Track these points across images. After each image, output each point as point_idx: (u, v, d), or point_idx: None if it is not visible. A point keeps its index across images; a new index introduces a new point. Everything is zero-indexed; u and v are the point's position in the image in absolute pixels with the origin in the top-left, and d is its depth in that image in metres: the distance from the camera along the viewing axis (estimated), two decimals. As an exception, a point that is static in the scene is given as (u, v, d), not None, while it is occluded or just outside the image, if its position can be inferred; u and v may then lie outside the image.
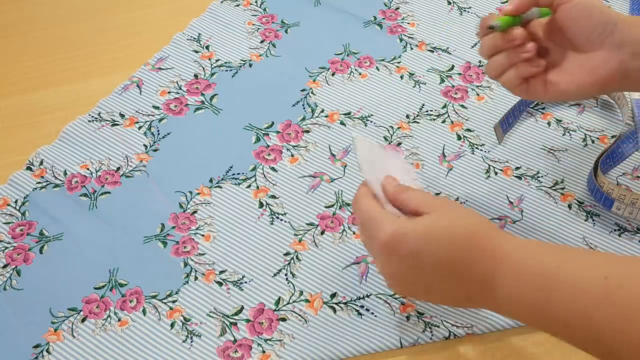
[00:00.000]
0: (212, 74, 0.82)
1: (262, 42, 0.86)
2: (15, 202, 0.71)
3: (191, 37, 0.86)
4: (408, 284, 0.53)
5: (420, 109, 0.78)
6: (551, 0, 0.56)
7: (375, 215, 0.53)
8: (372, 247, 0.53)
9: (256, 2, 0.90)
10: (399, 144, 0.75)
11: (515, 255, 0.49)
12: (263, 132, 0.76)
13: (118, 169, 0.74)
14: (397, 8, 0.89)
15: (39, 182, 0.73)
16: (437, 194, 0.70)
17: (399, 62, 0.82)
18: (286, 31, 0.87)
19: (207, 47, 0.85)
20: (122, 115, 0.78)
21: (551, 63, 0.58)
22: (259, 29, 0.87)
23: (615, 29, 0.55)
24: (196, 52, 0.84)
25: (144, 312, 0.63)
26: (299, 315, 0.63)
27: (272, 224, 0.69)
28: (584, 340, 0.46)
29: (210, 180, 0.72)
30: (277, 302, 0.64)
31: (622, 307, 0.44)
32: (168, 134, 0.77)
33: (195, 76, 0.82)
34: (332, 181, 0.72)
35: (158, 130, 0.77)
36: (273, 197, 0.71)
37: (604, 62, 0.56)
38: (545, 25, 0.58)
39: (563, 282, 0.47)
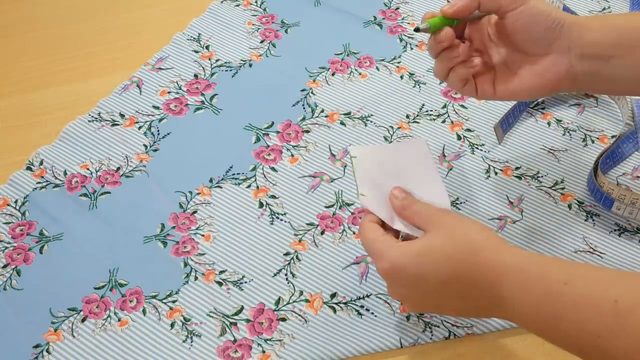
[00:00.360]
0: (212, 74, 0.82)
1: (262, 42, 0.86)
2: (15, 202, 0.71)
3: (191, 37, 0.86)
4: (418, 304, 0.56)
5: (420, 109, 0.78)
6: (497, 7, 0.55)
7: (375, 246, 0.54)
8: (379, 271, 0.54)
9: (256, 2, 0.90)
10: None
11: (520, 271, 0.49)
12: (263, 132, 0.76)
13: (118, 169, 0.74)
14: (397, 8, 0.89)
15: (39, 182, 0.73)
16: (437, 194, 0.70)
17: (399, 62, 0.82)
18: (286, 31, 0.87)
19: (207, 47, 0.85)
20: (122, 115, 0.78)
21: (500, 64, 0.58)
22: (259, 29, 0.87)
23: (562, 33, 0.55)
24: (196, 52, 0.85)
25: (144, 312, 0.63)
26: (299, 315, 0.63)
27: (272, 224, 0.69)
28: None
29: (210, 180, 0.72)
30: (277, 302, 0.64)
31: (633, 336, 0.43)
32: (168, 134, 0.77)
33: (195, 76, 0.82)
34: (332, 181, 0.72)
35: (158, 130, 0.77)
36: (273, 197, 0.71)
37: (552, 66, 0.56)
38: (494, 26, 0.58)
39: (572, 303, 0.46)
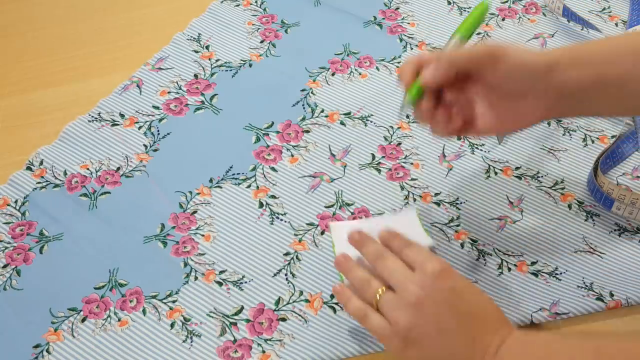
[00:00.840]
0: (212, 74, 0.82)
1: (262, 42, 0.86)
2: (15, 202, 0.71)
3: (191, 37, 0.86)
4: (426, 320, 0.53)
5: (420, 109, 0.78)
6: (473, 68, 0.55)
7: (420, 252, 0.56)
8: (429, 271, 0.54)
9: (256, 2, 0.90)
10: (399, 144, 0.75)
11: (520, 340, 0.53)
12: (263, 132, 0.76)
13: (118, 169, 0.74)
14: (397, 8, 0.89)
15: (39, 182, 0.73)
16: (437, 194, 0.70)
17: (399, 62, 0.82)
18: (286, 31, 0.87)
19: (207, 47, 0.85)
20: (122, 115, 0.78)
21: (479, 106, 0.58)
22: (259, 29, 0.87)
23: (538, 80, 0.55)
24: (196, 52, 0.84)
25: (144, 312, 0.63)
26: (299, 315, 0.63)
27: (272, 224, 0.69)
28: None
29: (210, 180, 0.72)
30: (277, 302, 0.64)
31: None
32: (168, 134, 0.77)
33: (195, 76, 0.82)
34: (332, 181, 0.72)
35: (158, 130, 0.77)
36: (273, 197, 0.71)
37: (532, 110, 0.57)
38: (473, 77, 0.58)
39: None
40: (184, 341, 0.61)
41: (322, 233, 0.68)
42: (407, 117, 0.56)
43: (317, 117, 0.77)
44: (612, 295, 0.62)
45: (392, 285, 0.55)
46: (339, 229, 0.66)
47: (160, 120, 0.78)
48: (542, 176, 0.72)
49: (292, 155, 0.74)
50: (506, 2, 0.89)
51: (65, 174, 0.73)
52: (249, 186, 0.72)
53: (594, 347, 0.50)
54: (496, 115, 0.57)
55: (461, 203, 0.70)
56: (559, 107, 0.57)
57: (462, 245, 0.67)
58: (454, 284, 0.54)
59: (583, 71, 0.55)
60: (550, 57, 0.56)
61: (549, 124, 0.76)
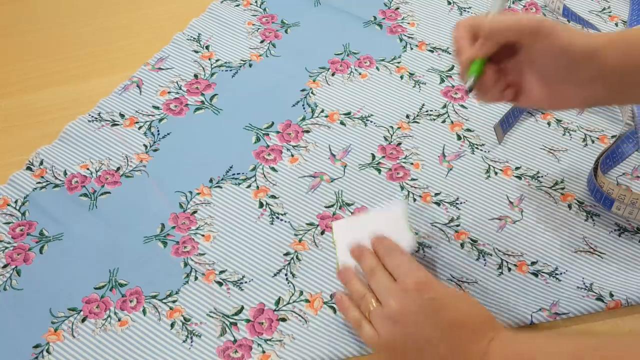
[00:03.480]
0: (212, 74, 0.82)
1: (262, 42, 0.86)
2: (15, 202, 0.71)
3: (191, 37, 0.86)
4: (407, 332, 0.55)
5: (420, 109, 0.78)
6: (518, 40, 0.54)
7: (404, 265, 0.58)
8: (391, 291, 0.56)
9: (256, 2, 0.90)
10: (399, 144, 0.75)
11: (507, 342, 0.54)
12: (263, 132, 0.76)
13: (118, 169, 0.74)
14: (397, 8, 0.89)
15: (39, 182, 0.73)
16: (437, 193, 0.70)
17: (399, 62, 0.82)
18: (286, 31, 0.87)
19: (207, 47, 0.85)
20: (122, 115, 0.78)
21: (526, 79, 0.57)
22: (259, 29, 0.87)
23: (581, 66, 0.54)
24: (196, 52, 0.84)
25: (144, 312, 0.63)
26: (299, 315, 0.63)
27: (272, 224, 0.69)
28: None
29: (210, 180, 0.72)
30: (277, 302, 0.64)
31: None
32: (168, 134, 0.77)
33: (195, 76, 0.82)
34: (332, 181, 0.72)
35: (158, 130, 0.77)
36: (273, 197, 0.71)
37: (572, 95, 0.56)
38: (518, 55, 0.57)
39: None
40: (184, 341, 0.61)
41: (322, 233, 0.68)
42: (470, 90, 0.55)
43: (317, 117, 0.77)
44: (612, 295, 0.62)
45: (379, 300, 0.57)
46: (339, 228, 0.66)
47: (160, 120, 0.78)
48: (542, 176, 0.72)
49: (292, 155, 0.74)
50: (506, 2, 0.89)
51: (65, 174, 0.73)
52: (249, 186, 0.72)
53: (574, 346, 0.51)
54: (540, 92, 0.56)
55: (461, 203, 0.70)
56: (602, 92, 0.55)
57: (462, 245, 0.67)
58: (434, 295, 0.55)
59: (628, 56, 0.53)
60: (593, 41, 0.53)
61: (549, 124, 0.76)
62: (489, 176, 0.72)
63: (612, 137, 0.74)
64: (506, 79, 0.57)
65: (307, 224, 0.69)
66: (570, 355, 0.51)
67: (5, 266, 0.67)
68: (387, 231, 0.62)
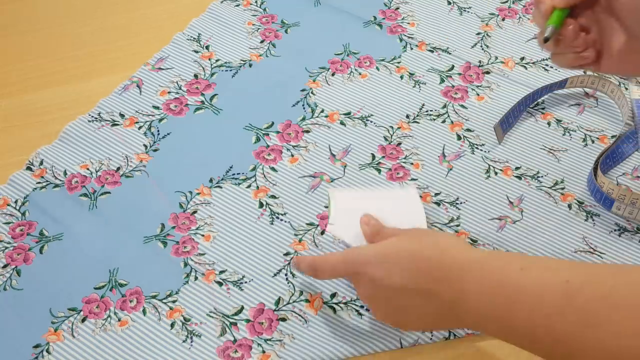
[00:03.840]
0: (212, 74, 0.82)
1: (262, 42, 0.86)
2: (15, 202, 0.71)
3: (191, 37, 0.86)
4: (383, 309, 0.55)
5: (420, 109, 0.78)
6: None
7: (334, 257, 0.57)
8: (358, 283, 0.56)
9: (256, 2, 0.90)
10: (399, 144, 0.75)
11: (481, 263, 0.49)
12: (263, 132, 0.76)
13: (118, 169, 0.74)
14: (397, 8, 0.89)
15: (39, 182, 0.73)
16: (437, 193, 0.70)
17: (399, 62, 0.82)
18: (286, 31, 0.87)
19: (207, 47, 0.85)
20: (122, 115, 0.78)
21: (607, 40, 0.54)
22: (259, 29, 0.87)
23: None
24: (196, 52, 0.84)
25: (144, 312, 0.63)
26: (299, 315, 0.63)
27: (272, 224, 0.69)
28: (547, 350, 0.46)
29: (210, 180, 0.72)
30: (277, 302, 0.64)
31: (581, 312, 0.43)
32: (168, 134, 0.77)
33: (195, 76, 0.82)
34: (332, 181, 0.72)
35: (158, 130, 0.77)
36: (273, 197, 0.71)
37: None
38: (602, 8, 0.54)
39: (524, 287, 0.46)
40: (184, 341, 0.61)
41: (322, 233, 0.68)
42: (546, 40, 0.52)
43: (317, 117, 0.77)
44: (612, 295, 0.62)
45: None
46: (338, 197, 0.65)
47: (160, 120, 0.78)
48: (542, 176, 0.72)
49: (292, 155, 0.74)
50: (506, 2, 0.89)
51: (65, 174, 0.73)
52: (249, 186, 0.72)
53: (563, 284, 0.45)
54: (625, 52, 0.53)
55: (461, 203, 0.70)
56: None
57: (462, 245, 0.67)
58: (368, 276, 0.54)
59: None
60: None
61: (549, 124, 0.76)
62: (489, 176, 0.72)
63: (612, 137, 0.74)
64: (586, 38, 0.54)
65: (307, 224, 0.69)
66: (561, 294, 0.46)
67: (5, 266, 0.67)
68: (397, 211, 0.61)
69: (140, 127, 0.77)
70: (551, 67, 0.81)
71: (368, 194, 0.67)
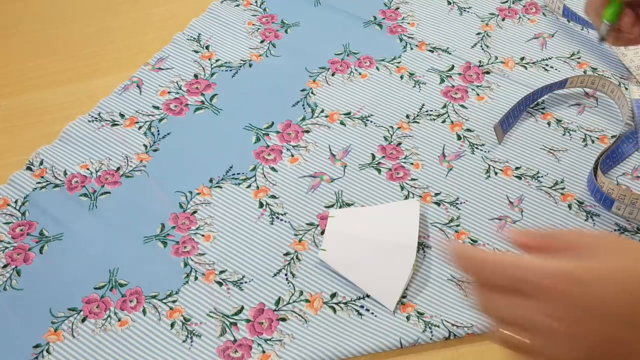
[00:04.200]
0: (212, 74, 0.82)
1: (262, 42, 0.86)
2: (15, 202, 0.71)
3: (191, 37, 0.86)
4: (591, 343, 0.40)
5: (420, 109, 0.78)
6: None
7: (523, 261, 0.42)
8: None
9: (256, 2, 0.90)
10: (399, 144, 0.75)
11: None
12: (263, 132, 0.76)
13: (118, 169, 0.74)
14: (397, 8, 0.89)
15: (39, 182, 0.73)
16: (437, 193, 0.70)
17: (399, 62, 0.82)
18: (286, 31, 0.87)
19: (207, 47, 0.85)
20: (122, 115, 0.78)
21: None
22: (259, 29, 0.87)
23: None
24: (196, 52, 0.85)
25: (144, 312, 0.63)
26: (299, 315, 0.63)
27: (272, 224, 0.69)
28: None
29: (210, 180, 0.72)
30: (277, 302, 0.64)
31: None
32: (168, 134, 0.77)
33: (195, 76, 0.82)
34: (332, 181, 0.72)
35: (158, 130, 0.77)
36: (273, 197, 0.71)
37: None
38: None
39: None
40: (184, 341, 0.61)
41: (322, 233, 0.68)
42: (602, 39, 0.53)
43: (317, 117, 0.77)
44: (612, 295, 0.62)
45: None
46: (335, 221, 0.67)
47: (160, 120, 0.78)
48: (542, 176, 0.72)
49: (292, 155, 0.74)
50: (506, 2, 0.89)
51: (65, 174, 0.73)
52: (249, 186, 0.72)
53: None
54: None
55: (461, 203, 0.70)
56: None
57: (462, 245, 0.67)
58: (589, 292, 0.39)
59: None
60: None
61: (549, 124, 0.76)
62: (489, 176, 0.72)
63: (612, 137, 0.74)
64: None
65: (307, 224, 0.69)
66: None
67: (5, 266, 0.67)
68: (393, 224, 0.61)
69: (140, 127, 0.77)
70: (551, 67, 0.81)
71: (367, 212, 0.68)
